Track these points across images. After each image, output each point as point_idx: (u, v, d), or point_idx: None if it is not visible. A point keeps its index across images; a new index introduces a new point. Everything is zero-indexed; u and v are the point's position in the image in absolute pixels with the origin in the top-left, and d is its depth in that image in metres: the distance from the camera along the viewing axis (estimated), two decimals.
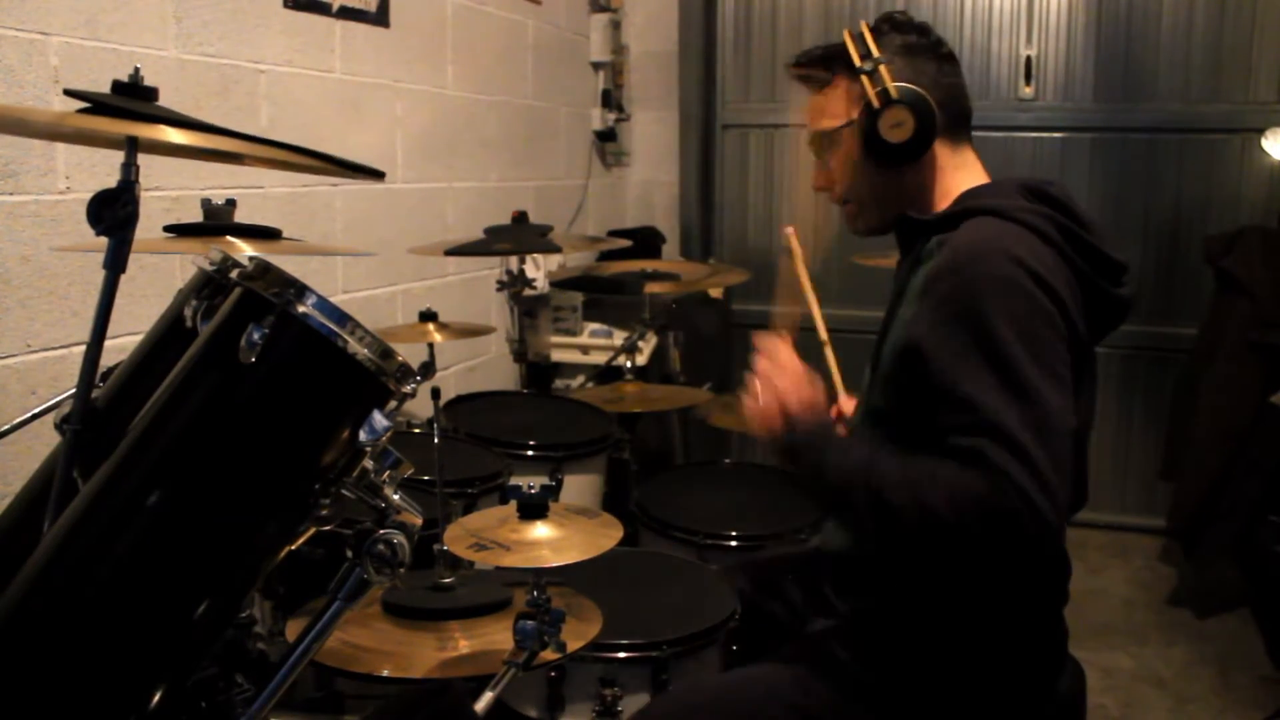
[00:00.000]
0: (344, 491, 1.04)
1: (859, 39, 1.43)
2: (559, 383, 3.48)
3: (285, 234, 1.62)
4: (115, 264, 1.04)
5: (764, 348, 1.40)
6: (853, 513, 1.30)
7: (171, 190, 2.12)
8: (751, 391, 1.37)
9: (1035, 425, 1.16)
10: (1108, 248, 1.36)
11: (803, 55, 1.52)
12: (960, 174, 1.45)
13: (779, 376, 1.36)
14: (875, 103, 1.40)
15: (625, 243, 3.16)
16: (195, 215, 1.57)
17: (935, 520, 1.16)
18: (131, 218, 1.03)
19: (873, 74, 1.41)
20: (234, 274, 1.06)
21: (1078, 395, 1.29)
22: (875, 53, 1.41)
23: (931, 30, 1.47)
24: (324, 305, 1.00)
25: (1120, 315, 1.40)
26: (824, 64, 1.48)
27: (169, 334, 1.14)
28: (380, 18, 2.76)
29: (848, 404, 1.67)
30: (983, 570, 1.22)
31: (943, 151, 1.44)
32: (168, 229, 1.55)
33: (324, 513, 1.05)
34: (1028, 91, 3.86)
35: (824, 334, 1.69)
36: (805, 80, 1.51)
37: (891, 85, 1.40)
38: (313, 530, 1.07)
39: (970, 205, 1.37)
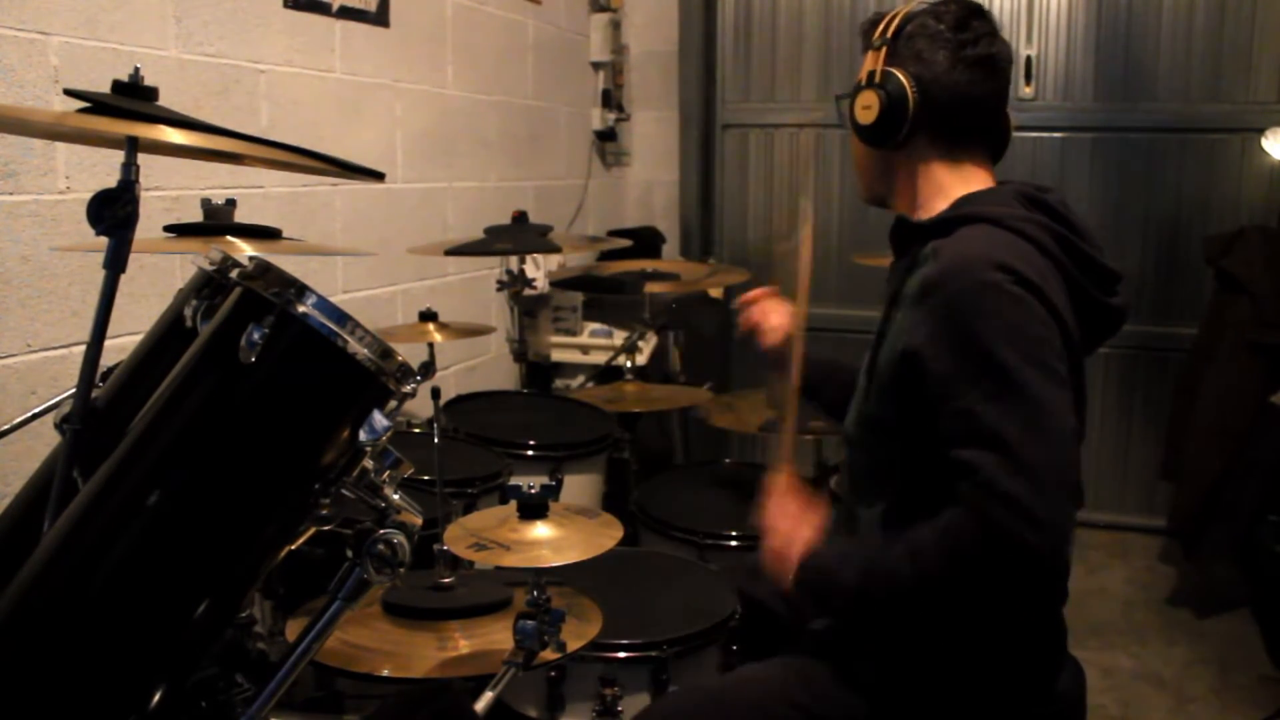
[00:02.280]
0: (344, 491, 1.04)
1: (890, 16, 1.43)
2: (559, 383, 3.47)
3: (285, 234, 1.62)
4: (115, 264, 1.04)
5: (770, 491, 1.46)
6: (879, 611, 1.32)
7: (171, 190, 2.12)
8: (765, 536, 1.43)
9: (1031, 423, 1.17)
10: (1102, 257, 1.36)
11: (870, 17, 1.50)
12: (954, 180, 1.43)
13: (783, 522, 1.42)
14: (863, 80, 1.42)
15: (625, 243, 3.16)
16: (195, 215, 1.58)
17: (941, 573, 1.20)
18: (131, 218, 1.03)
19: (878, 52, 1.41)
20: (234, 274, 1.06)
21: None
22: (889, 33, 1.41)
23: (973, 27, 1.39)
24: (324, 305, 1.00)
25: (1113, 325, 1.40)
26: (869, 27, 1.47)
27: (169, 334, 1.14)
28: (380, 18, 2.76)
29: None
30: (1013, 589, 1.21)
31: (931, 151, 1.43)
32: (168, 229, 1.56)
33: (324, 513, 1.05)
34: (1027, 91, 3.85)
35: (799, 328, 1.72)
36: (863, 35, 1.49)
37: (880, 68, 1.40)
38: (313, 530, 1.07)
39: (966, 212, 1.36)
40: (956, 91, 1.39)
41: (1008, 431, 1.16)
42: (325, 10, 2.55)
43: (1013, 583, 1.18)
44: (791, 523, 1.41)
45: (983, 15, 1.41)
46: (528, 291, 2.91)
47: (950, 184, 1.43)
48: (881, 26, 1.43)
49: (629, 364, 2.88)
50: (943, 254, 1.31)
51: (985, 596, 1.21)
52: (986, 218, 1.33)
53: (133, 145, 1.05)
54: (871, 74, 1.40)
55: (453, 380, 3.18)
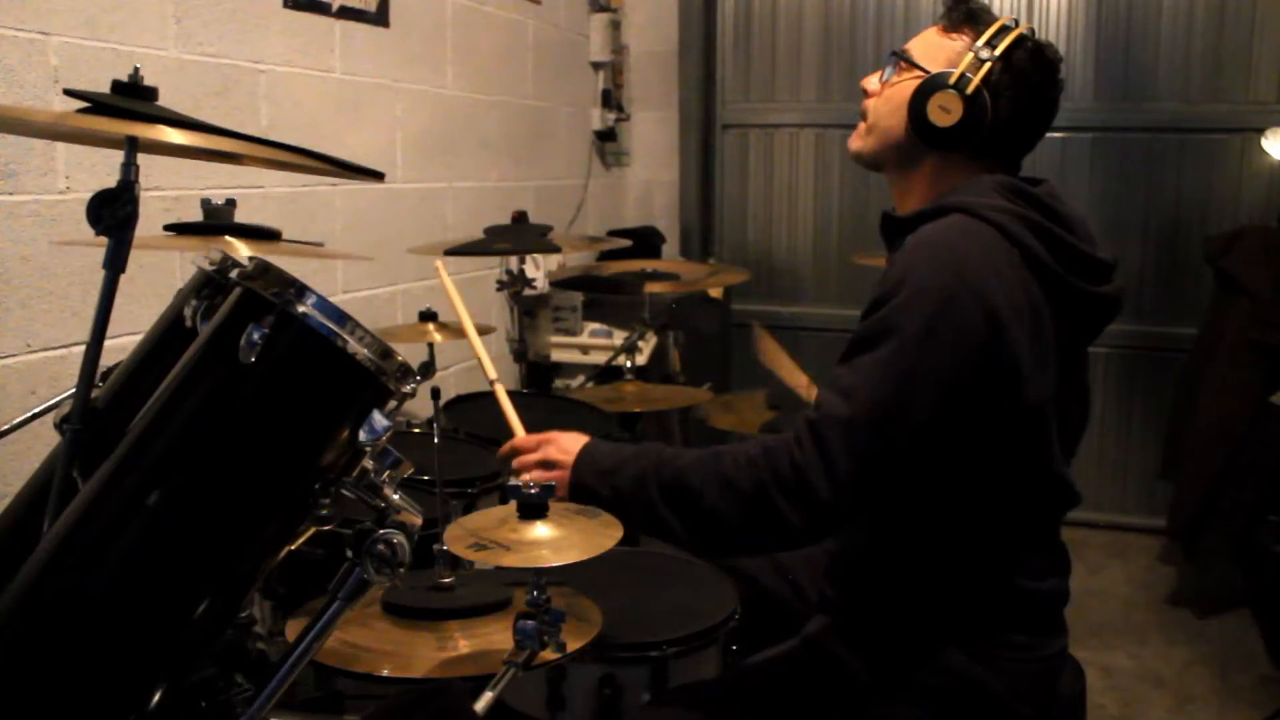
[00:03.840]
0: (344, 491, 1.04)
1: (1002, 31, 1.39)
2: (559, 383, 3.47)
3: (285, 234, 1.62)
4: (115, 264, 1.04)
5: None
6: (655, 514, 1.38)
7: (171, 190, 2.12)
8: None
9: (861, 422, 1.23)
10: (1089, 247, 1.36)
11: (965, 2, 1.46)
12: (964, 183, 1.44)
13: (536, 451, 1.57)
14: (952, 78, 1.38)
15: (625, 243, 3.16)
16: (195, 215, 1.57)
17: (733, 488, 1.29)
18: (131, 217, 1.03)
19: (979, 62, 1.38)
20: (234, 274, 1.06)
21: (1044, 403, 1.31)
22: (997, 52, 1.38)
23: (1058, 84, 1.42)
24: (324, 305, 1.00)
25: (1106, 313, 1.40)
26: (969, 18, 1.43)
27: (169, 334, 1.14)
28: (380, 18, 2.76)
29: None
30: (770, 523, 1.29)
31: (964, 160, 1.42)
32: (168, 229, 1.55)
33: (324, 513, 1.05)
34: None
35: (491, 373, 1.77)
36: (948, 13, 1.46)
37: (976, 81, 1.37)
38: (313, 530, 1.07)
39: (942, 203, 1.38)
40: (1022, 134, 1.43)
41: (838, 410, 1.25)
42: (325, 10, 2.55)
43: (767, 520, 1.28)
44: (542, 447, 1.56)
45: (1059, 66, 1.44)
46: (528, 291, 2.91)
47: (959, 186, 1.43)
48: (989, 35, 1.39)
49: (629, 364, 2.87)
50: (913, 242, 1.33)
51: (751, 517, 1.29)
52: (960, 208, 1.35)
53: (132, 145, 1.05)
54: (964, 79, 1.37)
55: (453, 380, 3.18)
